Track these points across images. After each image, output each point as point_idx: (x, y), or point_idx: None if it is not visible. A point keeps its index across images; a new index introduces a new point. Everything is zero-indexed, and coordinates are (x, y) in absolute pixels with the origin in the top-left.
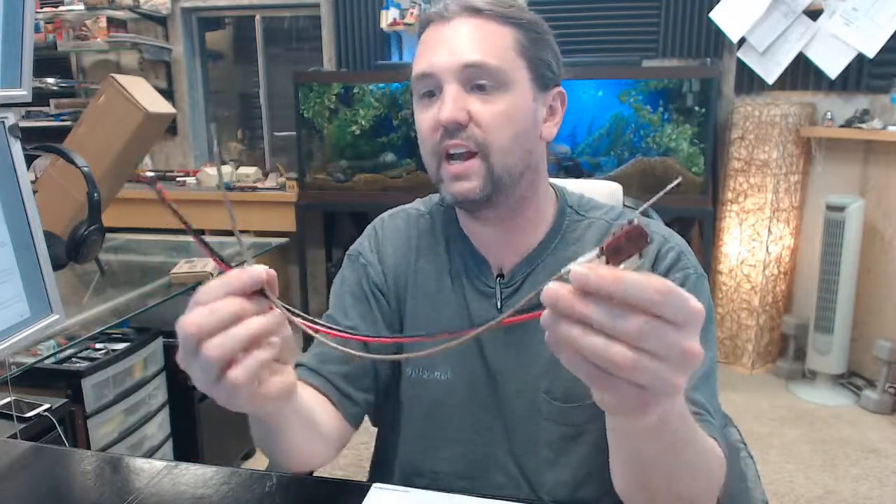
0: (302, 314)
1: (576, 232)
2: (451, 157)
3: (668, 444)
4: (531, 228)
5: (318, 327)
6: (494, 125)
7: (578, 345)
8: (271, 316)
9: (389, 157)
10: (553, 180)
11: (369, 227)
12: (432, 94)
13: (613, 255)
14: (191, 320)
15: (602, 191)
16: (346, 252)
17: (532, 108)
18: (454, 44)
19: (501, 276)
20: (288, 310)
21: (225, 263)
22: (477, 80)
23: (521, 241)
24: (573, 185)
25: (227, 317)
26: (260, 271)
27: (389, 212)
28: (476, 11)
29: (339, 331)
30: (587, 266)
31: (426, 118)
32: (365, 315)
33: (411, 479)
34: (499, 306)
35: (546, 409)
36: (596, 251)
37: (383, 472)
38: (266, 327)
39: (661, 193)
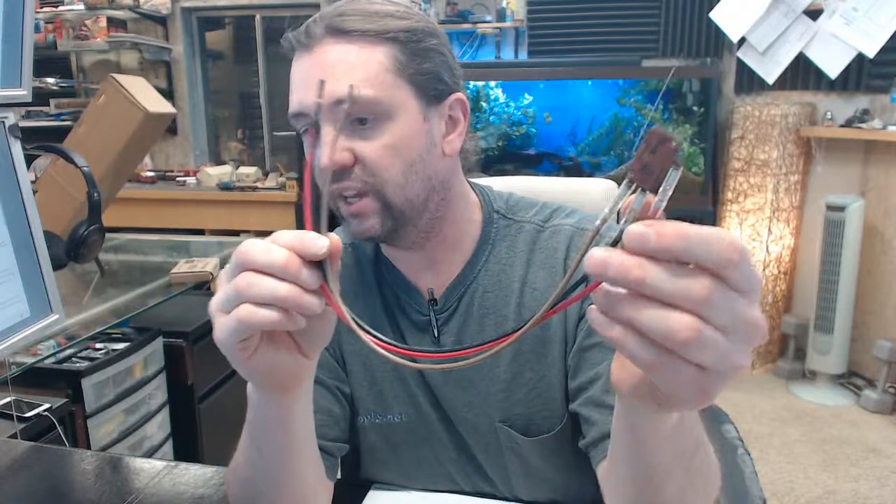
0: (356, 319)
1: (506, 240)
2: (345, 197)
3: (682, 450)
4: (455, 245)
5: (372, 337)
6: (381, 163)
7: (633, 318)
8: (313, 297)
9: None
10: (533, 180)
11: None
12: (310, 132)
13: (645, 177)
14: (248, 247)
15: (597, 190)
16: None
17: (423, 131)
18: (321, 76)
19: (434, 300)
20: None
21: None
22: (354, 115)
23: (447, 260)
24: (564, 186)
25: (276, 263)
26: (326, 244)
27: None
28: (342, 34)
29: (385, 342)
30: (644, 223)
31: (311, 160)
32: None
33: None
34: (436, 334)
35: (505, 439)
36: (625, 183)
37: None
38: (301, 302)
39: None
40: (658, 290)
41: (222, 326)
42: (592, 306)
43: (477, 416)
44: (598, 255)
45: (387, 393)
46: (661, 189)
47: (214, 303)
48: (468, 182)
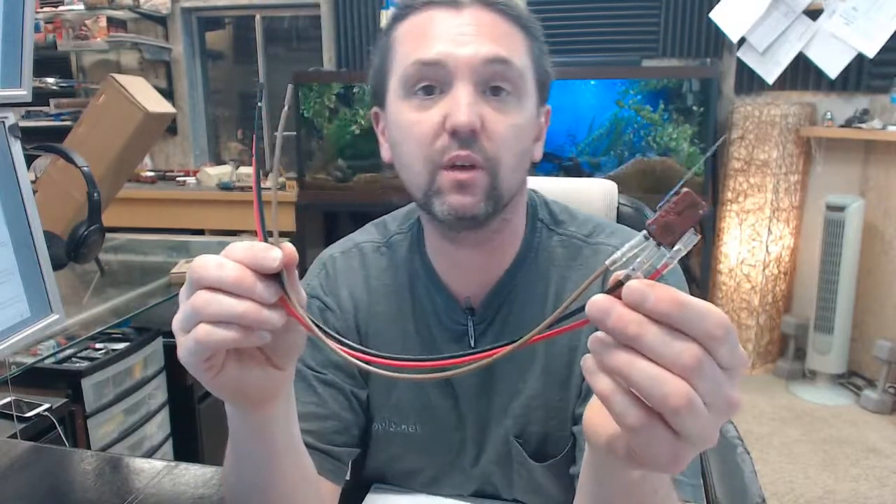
0: (321, 326)
1: (546, 251)
2: (455, 166)
3: (643, 498)
4: (501, 250)
5: (335, 342)
6: (507, 140)
7: (626, 373)
8: (272, 312)
9: None
10: (532, 180)
11: (317, 264)
12: (430, 90)
13: (666, 234)
14: (201, 263)
15: (597, 190)
16: None
17: (536, 125)
18: (472, 32)
19: (471, 309)
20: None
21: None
22: (495, 81)
23: (489, 265)
24: (564, 185)
25: (228, 280)
26: (278, 256)
27: (340, 248)
28: (490, 5)
29: (360, 350)
30: (645, 282)
31: (423, 120)
32: (325, 363)
33: None
34: (472, 345)
35: (517, 455)
36: (642, 234)
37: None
38: (260, 318)
39: (715, 147)
40: (652, 350)
41: (183, 346)
42: (587, 355)
43: (494, 426)
44: (601, 303)
45: (405, 401)
46: (675, 248)
47: (175, 322)
48: None
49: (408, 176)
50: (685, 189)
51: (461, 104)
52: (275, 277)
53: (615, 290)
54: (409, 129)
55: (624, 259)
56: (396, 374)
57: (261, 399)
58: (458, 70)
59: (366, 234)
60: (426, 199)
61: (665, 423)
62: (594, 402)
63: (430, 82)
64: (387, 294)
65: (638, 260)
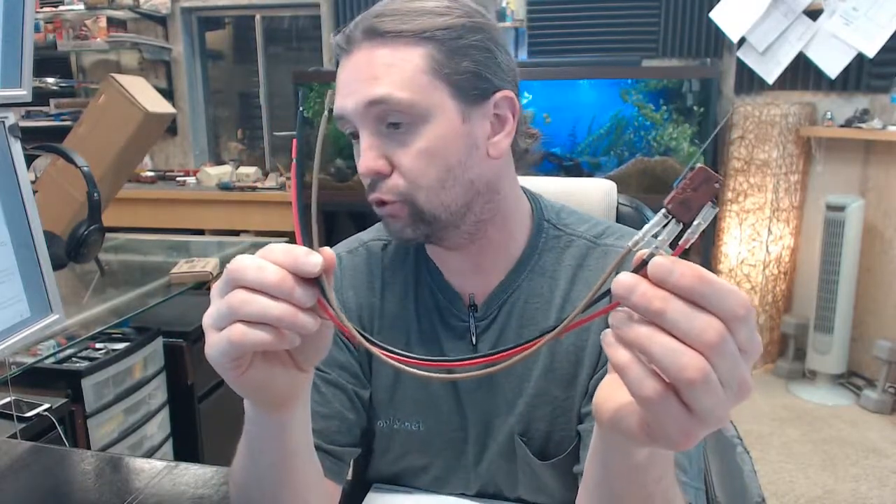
0: (360, 331)
1: (554, 251)
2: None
3: (646, 480)
4: (501, 249)
5: (387, 351)
6: (417, 169)
7: (645, 343)
8: (308, 316)
9: None
10: (533, 180)
11: None
12: (354, 135)
13: (684, 211)
14: (240, 263)
15: (597, 189)
16: None
17: (463, 133)
18: (357, 80)
19: (474, 307)
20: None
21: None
22: (388, 118)
23: (491, 264)
24: (564, 185)
25: (269, 282)
26: (319, 262)
27: (347, 246)
28: (378, 36)
29: (403, 355)
30: (670, 258)
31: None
32: (330, 362)
33: None
34: (474, 342)
35: (521, 454)
36: (661, 213)
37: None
38: (296, 322)
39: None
40: (675, 325)
41: (214, 345)
42: (607, 329)
43: (499, 424)
44: (626, 280)
45: (408, 399)
46: (694, 223)
47: (207, 318)
48: (521, 188)
49: None
50: (699, 165)
51: (362, 154)
52: (312, 281)
53: (640, 269)
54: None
55: (645, 239)
56: (433, 375)
57: (282, 400)
58: (356, 119)
59: (372, 233)
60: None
61: (679, 398)
62: (607, 380)
63: (350, 130)
64: (392, 291)
65: (660, 238)
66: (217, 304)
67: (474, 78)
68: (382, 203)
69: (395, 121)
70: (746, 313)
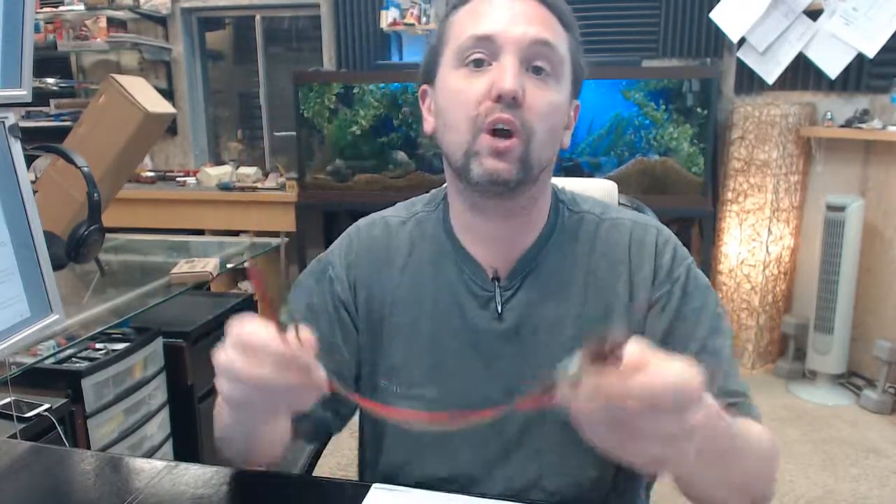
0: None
1: (569, 230)
2: (495, 132)
3: (714, 451)
4: (529, 226)
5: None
6: (542, 113)
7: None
8: (290, 389)
9: (401, 155)
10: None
11: (343, 235)
12: (480, 63)
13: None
14: (225, 361)
15: (597, 189)
16: (317, 257)
17: (566, 110)
18: (522, 17)
19: (497, 279)
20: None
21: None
22: (538, 61)
23: (517, 241)
24: (565, 183)
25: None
26: (324, 382)
27: (366, 220)
28: (540, 0)
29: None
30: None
31: (471, 87)
32: (321, 335)
33: (396, 481)
34: (499, 310)
35: (550, 419)
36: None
37: (371, 470)
38: (287, 392)
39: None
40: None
41: (225, 390)
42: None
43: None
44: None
45: (423, 367)
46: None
47: (218, 365)
48: None
49: (451, 137)
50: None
51: (507, 73)
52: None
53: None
54: (457, 94)
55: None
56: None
57: (280, 412)
58: (507, 45)
59: (392, 210)
60: (465, 159)
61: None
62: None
63: (481, 55)
64: (411, 265)
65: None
66: (223, 362)
67: (579, 77)
68: (506, 133)
69: (541, 65)
70: (664, 393)
